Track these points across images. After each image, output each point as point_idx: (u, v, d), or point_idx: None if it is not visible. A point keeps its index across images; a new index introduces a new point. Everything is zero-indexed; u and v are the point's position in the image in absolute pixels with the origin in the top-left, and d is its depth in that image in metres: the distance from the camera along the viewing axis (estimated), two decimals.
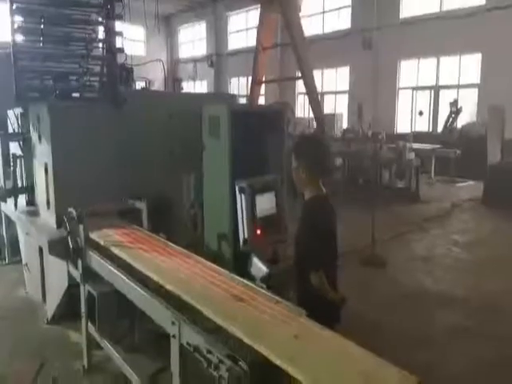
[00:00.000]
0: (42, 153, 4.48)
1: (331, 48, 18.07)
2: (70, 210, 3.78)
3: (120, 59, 4.71)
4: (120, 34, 4.59)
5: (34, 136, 4.58)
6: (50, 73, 4.57)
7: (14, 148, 5.32)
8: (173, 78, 24.05)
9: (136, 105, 4.84)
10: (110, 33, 4.50)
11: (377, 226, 7.09)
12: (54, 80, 4.47)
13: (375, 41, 17.17)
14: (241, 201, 3.33)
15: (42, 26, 4.55)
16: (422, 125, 16.74)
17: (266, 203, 3.48)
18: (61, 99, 4.41)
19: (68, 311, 4.49)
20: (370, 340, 4.56)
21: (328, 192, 2.98)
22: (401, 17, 16.86)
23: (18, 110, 5.06)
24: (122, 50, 4.61)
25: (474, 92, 15.39)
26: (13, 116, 5.19)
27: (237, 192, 3.35)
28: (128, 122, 4.71)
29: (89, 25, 4.69)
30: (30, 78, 4.36)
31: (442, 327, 4.92)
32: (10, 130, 5.27)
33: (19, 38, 4.32)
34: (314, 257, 2.82)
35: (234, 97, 7.24)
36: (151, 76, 15.80)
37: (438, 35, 15.03)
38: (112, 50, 4.47)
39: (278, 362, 1.99)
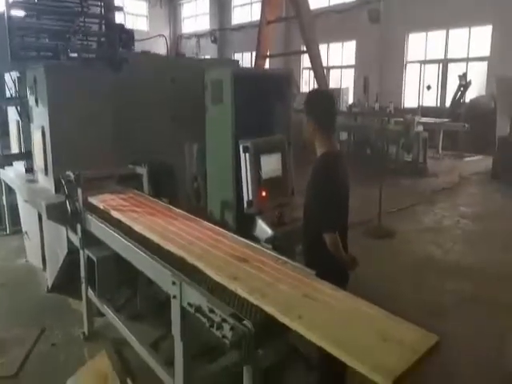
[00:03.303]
0: (39, 116, 4.33)
1: (337, 21, 17.68)
2: (68, 173, 3.65)
3: (120, 20, 4.52)
4: None
5: (31, 99, 4.42)
6: (45, 31, 4.38)
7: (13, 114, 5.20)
8: (175, 54, 23.68)
9: (136, 68, 4.68)
10: None
11: (384, 198, 6.94)
12: (50, 38, 4.29)
13: (383, 13, 16.74)
14: (245, 161, 3.18)
15: None
16: (430, 99, 16.45)
17: (271, 164, 3.33)
18: (57, 59, 4.22)
19: (68, 279, 4.40)
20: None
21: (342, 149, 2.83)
22: None
23: (15, 75, 4.90)
24: (120, 9, 4.42)
25: (484, 65, 15.02)
26: (10, 80, 5.02)
27: (241, 151, 3.19)
28: (128, 85, 4.54)
29: None
30: (25, 35, 4.17)
31: (453, 296, 4.82)
32: (8, 96, 5.10)
33: None
34: (329, 217, 2.68)
35: (237, 62, 7.02)
36: (154, 51, 15.51)
37: (447, 7, 14.62)
38: (110, 8, 4.27)
39: (285, 320, 1.86)
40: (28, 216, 5.26)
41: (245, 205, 3.25)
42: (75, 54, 4.35)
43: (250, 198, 3.20)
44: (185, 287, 2.26)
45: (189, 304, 2.21)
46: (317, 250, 2.71)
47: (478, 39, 15.19)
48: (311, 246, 2.84)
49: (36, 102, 4.30)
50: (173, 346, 2.45)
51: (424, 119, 12.41)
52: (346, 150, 12.45)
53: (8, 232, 6.53)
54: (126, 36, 4.89)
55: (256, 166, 3.19)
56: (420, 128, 11.38)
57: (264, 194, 3.25)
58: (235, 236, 2.85)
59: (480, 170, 11.49)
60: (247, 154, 3.16)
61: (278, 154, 3.41)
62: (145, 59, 5.20)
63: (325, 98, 2.88)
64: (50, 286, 4.70)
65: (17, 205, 5.82)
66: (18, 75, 4.81)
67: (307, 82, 20.45)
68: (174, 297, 2.32)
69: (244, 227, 3.31)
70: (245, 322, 1.92)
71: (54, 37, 4.29)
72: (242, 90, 3.97)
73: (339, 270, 2.69)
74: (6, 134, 5.81)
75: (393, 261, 5.78)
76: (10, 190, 5.95)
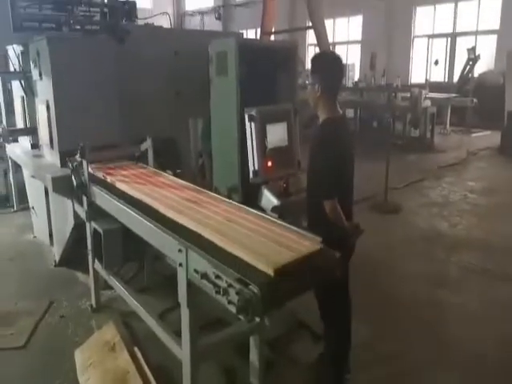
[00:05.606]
0: (44, 90, 4.29)
1: None
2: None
3: None
4: None
5: (35, 73, 4.38)
6: (48, 2, 4.30)
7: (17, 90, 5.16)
8: None
9: (140, 40, 4.61)
10: None
11: (390, 174, 6.88)
12: (52, 9, 4.22)
13: None
14: (250, 130, 3.13)
15: None
16: (438, 75, 16.19)
17: (277, 134, 3.28)
18: (60, 31, 4.17)
19: (75, 253, 4.42)
20: (387, 279, 4.50)
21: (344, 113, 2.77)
22: None
23: (19, 48, 4.85)
24: None
25: (493, 39, 14.73)
26: (13, 54, 4.97)
27: (246, 120, 3.14)
28: (132, 59, 4.52)
29: None
30: (28, 6, 4.10)
31: (460, 268, 4.81)
32: (11, 69, 5.06)
33: None
34: (327, 184, 2.64)
35: (241, 35, 6.93)
36: None
37: None
38: None
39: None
40: (35, 191, 5.27)
41: (250, 175, 3.22)
42: (78, 27, 4.28)
43: (256, 167, 3.16)
44: (191, 254, 2.25)
45: (195, 271, 2.20)
46: (319, 218, 2.67)
47: (488, 11, 14.87)
48: (313, 214, 2.81)
49: (40, 75, 4.26)
50: (179, 318, 2.46)
51: (431, 94, 12.25)
52: (353, 128, 12.33)
53: (15, 209, 6.55)
54: (128, 7, 4.82)
55: (262, 135, 3.14)
56: (427, 103, 11.24)
57: (270, 163, 3.21)
58: (246, 207, 2.81)
59: (488, 145, 11.35)
60: (253, 123, 3.11)
61: (284, 123, 3.35)
62: (148, 32, 5.12)
63: (331, 59, 2.80)
64: (57, 261, 4.73)
65: (24, 182, 5.83)
66: (22, 49, 4.76)
67: None
68: (180, 264, 2.32)
69: (251, 201, 3.27)
70: (251, 286, 1.91)
71: (57, 8, 4.23)
72: (247, 61, 3.91)
73: (342, 239, 2.64)
74: (12, 112, 5.80)
75: (398, 234, 5.77)
76: (17, 168, 5.95)
